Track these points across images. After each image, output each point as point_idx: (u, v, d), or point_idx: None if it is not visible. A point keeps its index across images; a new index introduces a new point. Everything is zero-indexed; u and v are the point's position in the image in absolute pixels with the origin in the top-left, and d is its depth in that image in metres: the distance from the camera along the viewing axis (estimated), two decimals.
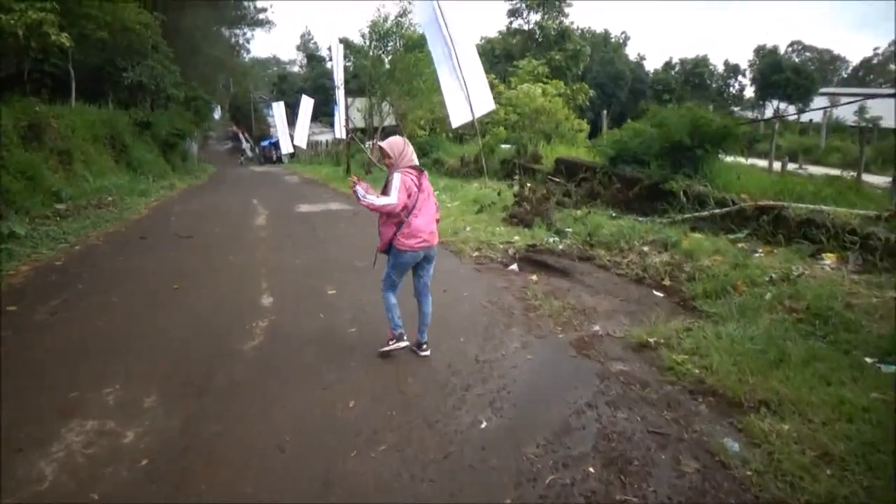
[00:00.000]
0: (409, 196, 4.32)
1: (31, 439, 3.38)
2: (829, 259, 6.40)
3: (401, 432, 3.51)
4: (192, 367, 4.42)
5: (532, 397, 4.00)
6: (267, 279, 7.06)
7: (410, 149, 4.49)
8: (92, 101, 20.32)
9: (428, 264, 4.61)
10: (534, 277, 7.05)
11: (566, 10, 36.69)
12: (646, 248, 7.49)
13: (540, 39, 35.95)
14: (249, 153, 56.34)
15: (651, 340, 4.92)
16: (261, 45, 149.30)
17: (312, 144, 43.83)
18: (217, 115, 70.76)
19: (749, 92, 68.31)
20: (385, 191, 4.32)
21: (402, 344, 4.67)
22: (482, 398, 3.96)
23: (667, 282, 6.59)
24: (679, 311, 5.85)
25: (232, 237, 9.93)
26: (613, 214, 9.12)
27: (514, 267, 7.54)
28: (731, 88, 74.28)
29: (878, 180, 13.95)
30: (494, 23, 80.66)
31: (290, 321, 5.53)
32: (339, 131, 25.41)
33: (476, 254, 8.24)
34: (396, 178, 4.27)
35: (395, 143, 4.44)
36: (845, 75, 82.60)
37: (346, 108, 23.95)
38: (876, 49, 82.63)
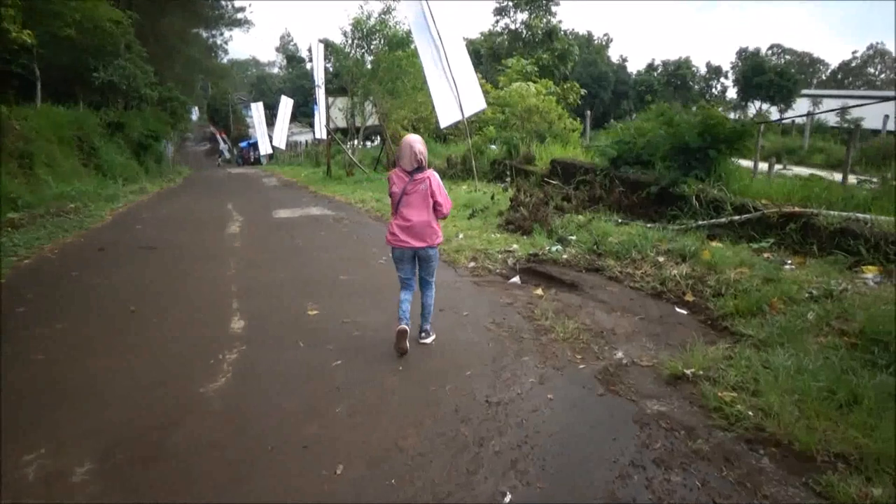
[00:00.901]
0: (390, 194, 4.63)
1: None
2: (870, 272, 5.73)
3: None
4: (143, 421, 3.59)
5: (562, 454, 3.24)
6: (238, 298, 6.23)
7: (408, 151, 4.52)
8: (63, 102, 19.35)
9: (424, 263, 4.73)
10: (539, 292, 6.32)
11: (553, 9, 35.95)
12: (661, 259, 6.78)
13: (527, 39, 35.16)
14: (227, 154, 55.57)
15: (688, 372, 4.21)
16: (240, 46, 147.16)
17: (292, 145, 42.95)
18: (195, 116, 69.75)
19: (731, 93, 68.95)
20: None
21: (403, 328, 4.61)
22: (501, 457, 3.20)
23: (690, 297, 5.88)
24: (709, 333, 5.16)
25: (201, 248, 9.06)
26: (619, 220, 8.41)
27: (517, 279, 6.81)
28: (714, 90, 74.80)
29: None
30: (477, 24, 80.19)
31: (264, 353, 4.71)
32: (320, 131, 24.53)
33: (472, 264, 7.50)
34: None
35: (401, 143, 4.63)
36: (824, 78, 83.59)
37: (327, 107, 23.07)
38: (854, 52, 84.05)
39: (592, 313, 5.63)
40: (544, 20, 34.55)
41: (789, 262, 6.27)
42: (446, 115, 13.06)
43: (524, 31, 35.37)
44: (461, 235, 8.83)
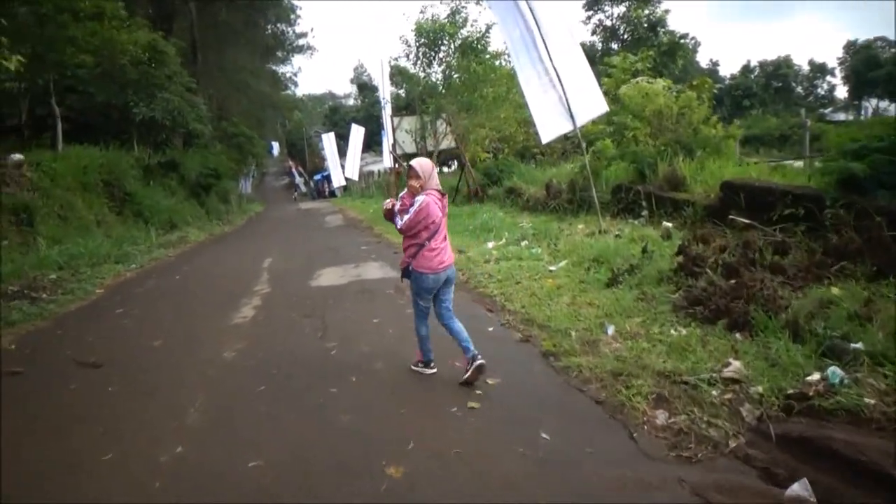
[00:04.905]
0: (432, 222, 4.16)
1: None
2: None
3: None
4: None
5: None
6: None
7: (435, 172, 4.33)
8: (108, 142, 17.44)
9: (448, 286, 4.37)
10: None
11: None
12: None
13: (625, 36, 30.45)
14: (303, 188, 54.82)
15: None
16: (316, 82, 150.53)
17: (364, 175, 40.46)
18: (275, 151, 69.76)
19: (841, 91, 63.06)
20: (406, 210, 4.20)
21: (430, 371, 4.52)
22: None
23: None
24: None
25: (176, 361, 5.46)
26: None
27: (803, 489, 2.85)
28: (819, 89, 68.15)
29: None
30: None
31: None
32: (387, 158, 21.33)
33: (664, 417, 3.60)
34: (419, 201, 4.13)
35: (425, 165, 4.31)
36: None
37: (393, 129, 19.77)
38: None
39: None
40: (646, 10, 29.59)
41: None
42: (549, 127, 9.33)
43: (621, 27, 30.67)
44: (611, 331, 4.91)
